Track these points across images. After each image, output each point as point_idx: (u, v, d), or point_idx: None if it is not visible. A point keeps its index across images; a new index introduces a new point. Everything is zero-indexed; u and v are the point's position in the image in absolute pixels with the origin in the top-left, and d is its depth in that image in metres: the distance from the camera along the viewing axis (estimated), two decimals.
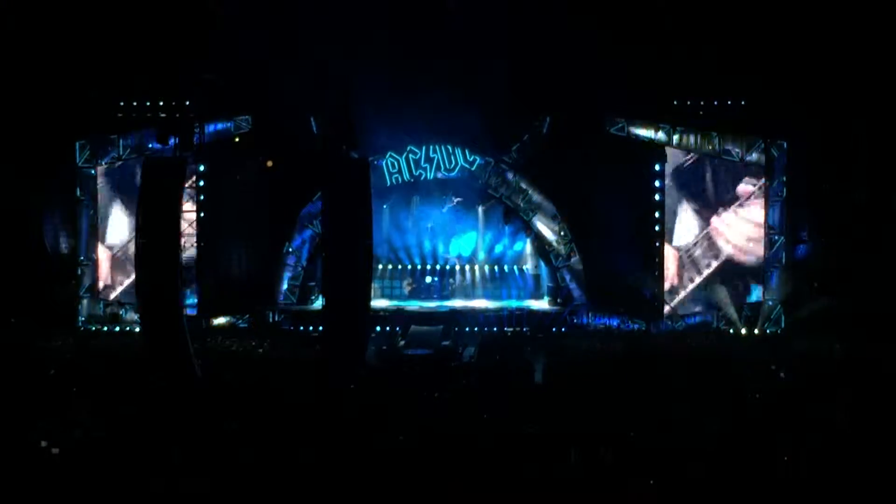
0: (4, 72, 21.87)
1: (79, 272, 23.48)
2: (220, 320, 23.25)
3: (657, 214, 22.97)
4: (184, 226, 17.93)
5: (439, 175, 24.94)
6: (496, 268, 26.71)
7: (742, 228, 23.00)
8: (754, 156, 22.55)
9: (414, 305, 25.14)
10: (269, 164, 23.70)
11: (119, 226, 23.50)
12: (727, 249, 23.05)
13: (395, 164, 24.85)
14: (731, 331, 22.40)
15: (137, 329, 20.61)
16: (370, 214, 16.54)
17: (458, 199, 25.62)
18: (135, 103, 22.69)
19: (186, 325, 15.72)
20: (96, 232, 23.59)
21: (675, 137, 22.69)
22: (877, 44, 20.91)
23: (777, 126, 22.21)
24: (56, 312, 22.55)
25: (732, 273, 22.98)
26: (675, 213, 23.10)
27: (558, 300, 24.94)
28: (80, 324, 22.94)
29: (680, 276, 23.24)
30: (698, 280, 23.15)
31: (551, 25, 21.36)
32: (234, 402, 13.10)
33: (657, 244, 23.03)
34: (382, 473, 9.83)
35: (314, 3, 21.03)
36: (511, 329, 22.57)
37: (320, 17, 20.83)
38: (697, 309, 23.15)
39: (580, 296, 24.37)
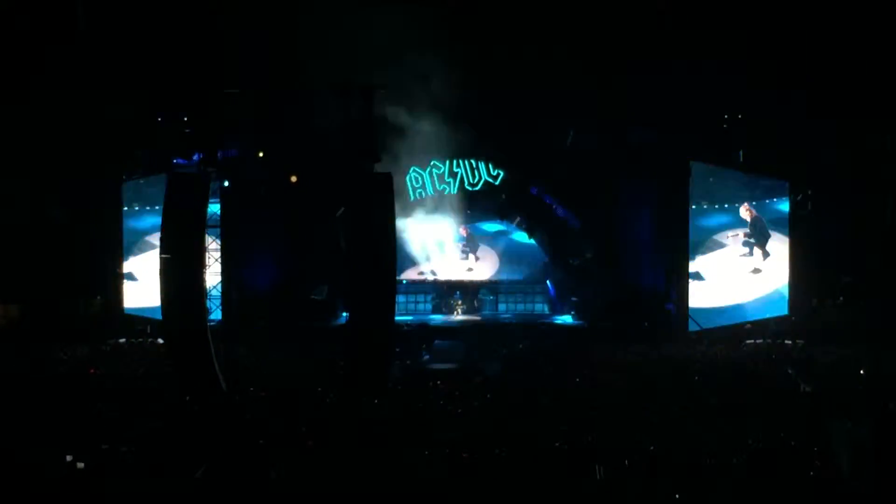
0: (34, 88, 22.15)
1: (105, 286, 23.68)
2: (245, 334, 23.30)
3: (682, 230, 22.86)
4: (208, 240, 18.03)
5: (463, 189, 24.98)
6: (520, 282, 26.68)
7: None
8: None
9: (438, 320, 25.10)
10: (294, 179, 23.82)
11: (144, 241, 23.69)
12: None
13: (419, 178, 24.85)
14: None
15: (162, 343, 20.72)
16: (394, 229, 16.55)
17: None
18: (160, 119, 22.89)
19: (211, 340, 15.77)
20: (122, 246, 23.76)
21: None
22: None
23: (804, 145, 22.12)
24: (82, 326, 22.71)
25: None
26: None
27: (582, 315, 24.81)
28: (105, 337, 23.06)
29: None
30: None
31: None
32: (260, 418, 13.08)
33: (682, 259, 22.92)
34: (408, 488, 9.80)
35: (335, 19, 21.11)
36: (536, 343, 22.44)
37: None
38: None
39: (603, 310, 24.20)
